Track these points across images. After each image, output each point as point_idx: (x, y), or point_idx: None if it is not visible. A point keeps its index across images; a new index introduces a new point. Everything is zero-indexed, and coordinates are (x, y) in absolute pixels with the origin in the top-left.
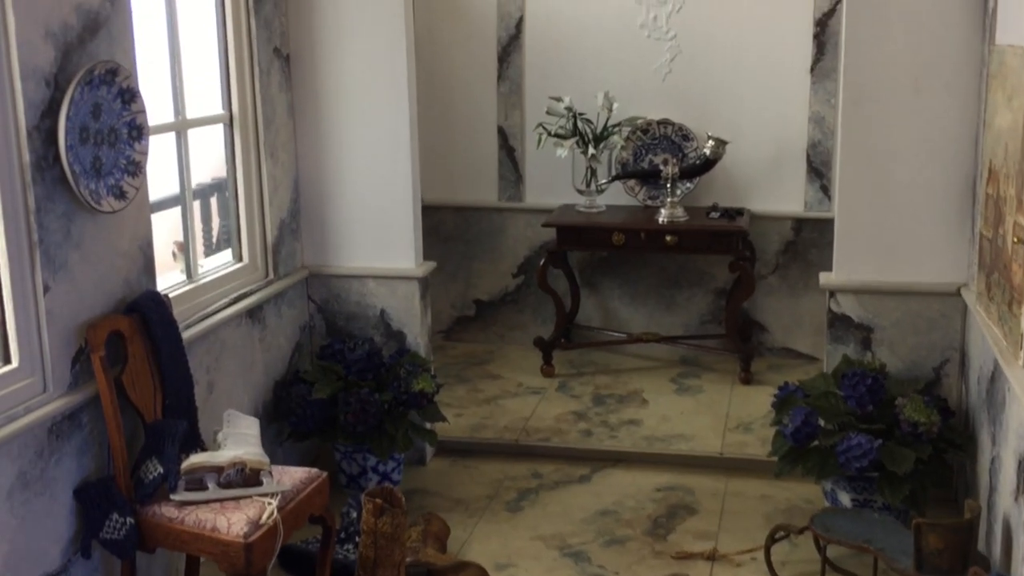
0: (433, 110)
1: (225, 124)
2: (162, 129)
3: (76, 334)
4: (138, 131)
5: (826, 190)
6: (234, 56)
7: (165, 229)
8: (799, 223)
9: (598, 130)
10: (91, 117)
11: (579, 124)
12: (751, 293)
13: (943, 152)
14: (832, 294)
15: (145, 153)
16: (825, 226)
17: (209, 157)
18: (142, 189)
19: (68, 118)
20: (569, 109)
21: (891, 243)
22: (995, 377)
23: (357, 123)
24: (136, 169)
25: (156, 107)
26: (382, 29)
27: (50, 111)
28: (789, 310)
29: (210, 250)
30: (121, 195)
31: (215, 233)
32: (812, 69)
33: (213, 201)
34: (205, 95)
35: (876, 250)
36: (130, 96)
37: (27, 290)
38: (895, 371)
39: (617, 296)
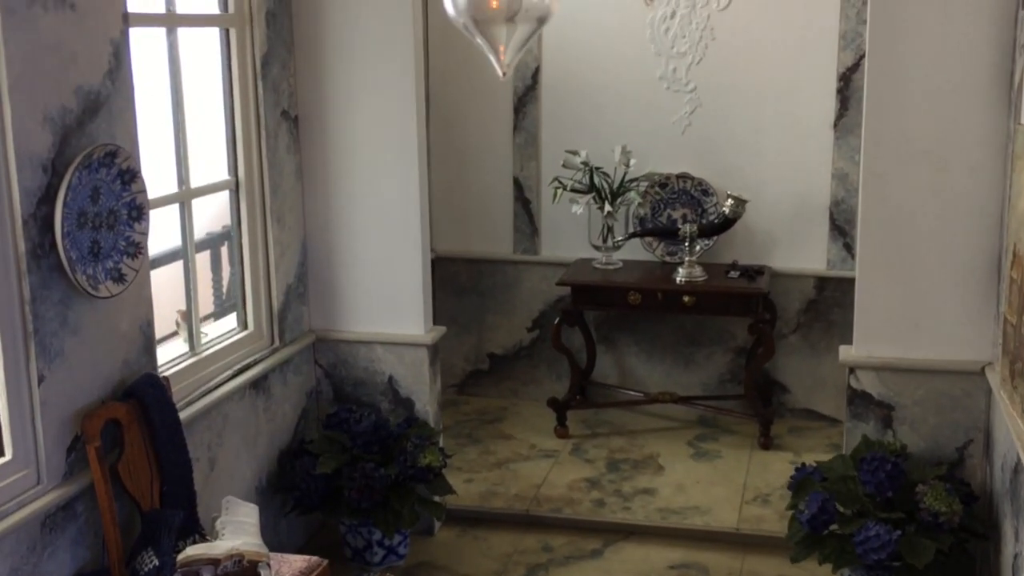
0: (448, 160)
1: (231, 190)
2: (165, 201)
3: (72, 423)
4: (138, 211)
5: (850, 248)
6: (241, 121)
7: (170, 286)
8: (821, 282)
9: (615, 185)
10: (89, 201)
11: (596, 179)
12: (771, 357)
13: (967, 230)
14: (852, 370)
15: (146, 233)
16: (849, 285)
17: (219, 206)
18: (142, 269)
19: (65, 204)
20: (585, 163)
21: (913, 319)
22: (1018, 469)
23: (366, 185)
24: (136, 250)
25: (159, 177)
26: (393, 88)
27: (47, 198)
28: (811, 371)
29: (220, 303)
30: (120, 278)
31: (225, 283)
32: (835, 124)
33: (224, 250)
34: (210, 161)
35: (898, 326)
36: (130, 176)
37: (21, 381)
38: (917, 451)
39: (634, 353)
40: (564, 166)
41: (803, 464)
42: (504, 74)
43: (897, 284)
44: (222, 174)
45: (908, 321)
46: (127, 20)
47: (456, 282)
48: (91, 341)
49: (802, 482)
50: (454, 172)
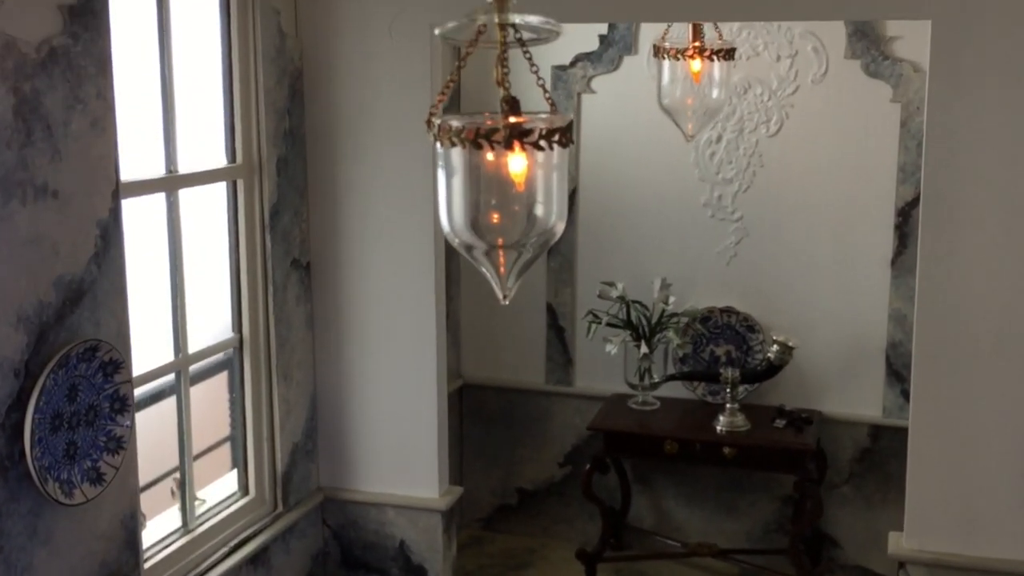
0: (479, 282)
1: (235, 348)
2: (160, 373)
3: None
4: (122, 403)
5: (907, 395)
6: (247, 275)
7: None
8: (877, 430)
9: (653, 320)
10: (66, 401)
11: (632, 313)
12: (820, 517)
13: None
14: (902, 565)
15: (129, 426)
16: (907, 436)
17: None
18: (125, 463)
19: (37, 410)
20: (622, 298)
21: (970, 511)
22: None
23: (382, 334)
24: (117, 445)
25: (155, 346)
26: (411, 230)
27: (18, 403)
28: (864, 525)
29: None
30: (98, 479)
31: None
32: (893, 262)
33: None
34: (210, 321)
35: (953, 517)
36: (113, 368)
37: None
38: None
39: (672, 496)
40: (600, 296)
41: None
42: (505, 297)
43: (952, 472)
44: (225, 332)
45: (965, 512)
46: (118, 195)
47: (484, 411)
48: (64, 549)
49: None
50: (484, 295)
